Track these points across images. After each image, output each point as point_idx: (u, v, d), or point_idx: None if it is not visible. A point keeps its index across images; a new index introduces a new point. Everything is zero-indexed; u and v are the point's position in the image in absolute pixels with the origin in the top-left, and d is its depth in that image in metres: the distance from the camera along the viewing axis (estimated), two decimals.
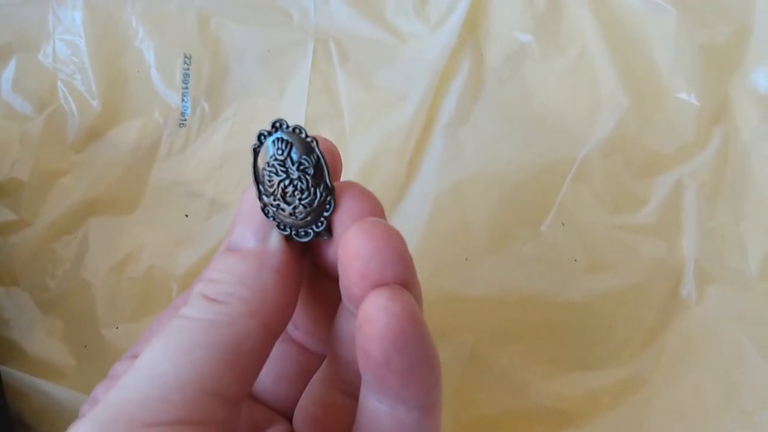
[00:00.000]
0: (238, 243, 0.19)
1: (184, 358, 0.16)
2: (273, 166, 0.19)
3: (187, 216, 0.34)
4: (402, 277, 0.17)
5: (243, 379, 0.17)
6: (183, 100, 0.35)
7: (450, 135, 0.33)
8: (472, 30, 0.36)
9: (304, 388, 0.21)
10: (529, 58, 0.35)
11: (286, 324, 0.19)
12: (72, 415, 0.25)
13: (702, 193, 0.32)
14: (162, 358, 0.16)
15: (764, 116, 0.33)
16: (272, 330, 0.18)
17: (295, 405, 0.21)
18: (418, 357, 0.16)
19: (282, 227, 0.19)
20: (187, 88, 0.35)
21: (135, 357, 0.21)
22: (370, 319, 0.16)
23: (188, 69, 0.35)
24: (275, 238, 0.19)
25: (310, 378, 0.21)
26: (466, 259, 0.31)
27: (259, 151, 0.19)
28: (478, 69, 0.35)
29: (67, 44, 0.36)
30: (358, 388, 0.19)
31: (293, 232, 0.19)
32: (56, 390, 0.30)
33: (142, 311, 0.32)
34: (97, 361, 0.31)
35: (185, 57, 0.35)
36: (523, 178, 0.32)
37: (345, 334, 0.19)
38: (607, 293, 0.31)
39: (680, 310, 0.31)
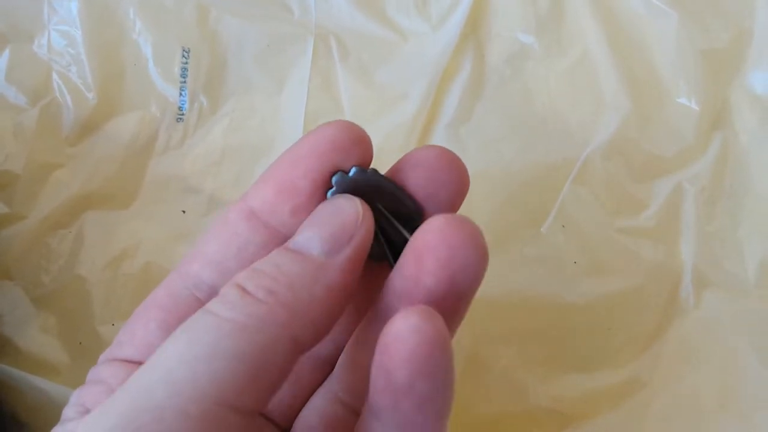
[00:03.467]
0: (303, 246, 0.17)
1: (204, 366, 0.15)
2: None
3: (184, 212, 0.33)
4: (479, 275, 0.17)
5: (264, 392, 0.16)
6: (181, 94, 0.35)
7: (451, 134, 0.33)
8: (474, 29, 0.36)
9: (303, 400, 0.20)
10: (531, 59, 0.35)
11: (315, 344, 0.17)
12: None
13: (701, 198, 0.32)
14: (180, 363, 0.15)
15: (763, 121, 0.33)
16: (301, 346, 0.16)
17: (291, 415, 0.20)
18: (440, 384, 0.15)
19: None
20: (185, 82, 0.35)
21: (120, 361, 0.20)
22: (400, 338, 0.15)
23: (187, 63, 0.35)
24: (343, 258, 0.17)
25: (311, 390, 0.21)
26: None
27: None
28: (480, 68, 0.35)
29: (62, 35, 0.35)
30: (361, 404, 0.18)
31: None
32: (50, 386, 0.29)
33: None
34: (91, 357, 0.30)
35: (184, 50, 0.35)
36: (524, 179, 0.32)
37: (361, 350, 0.19)
38: (607, 296, 0.31)
39: (679, 314, 0.31)
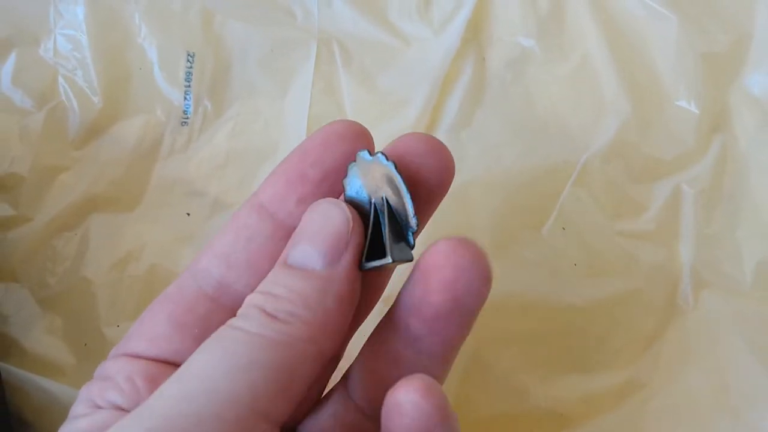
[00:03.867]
0: (302, 262, 0.18)
1: (241, 376, 0.16)
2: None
3: (188, 215, 0.34)
4: (482, 298, 0.18)
5: (291, 401, 0.17)
6: (185, 98, 0.35)
7: (452, 139, 0.34)
8: (475, 34, 0.36)
9: (307, 404, 0.21)
10: (532, 63, 0.35)
11: (336, 351, 0.18)
12: None
13: (700, 200, 0.32)
14: (218, 373, 0.16)
15: (762, 124, 0.34)
16: (325, 356, 0.18)
17: (290, 419, 0.21)
18: None
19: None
20: (189, 86, 0.35)
21: (126, 356, 0.20)
22: (403, 410, 0.16)
23: (191, 67, 0.35)
24: (344, 265, 0.18)
25: (313, 394, 0.21)
26: None
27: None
28: (481, 73, 0.35)
29: (68, 39, 0.35)
30: (379, 413, 0.19)
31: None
32: (56, 387, 0.29)
33: (143, 309, 0.31)
34: (97, 359, 0.30)
35: (188, 55, 0.35)
36: (524, 182, 0.33)
37: (376, 361, 0.20)
38: (607, 297, 0.31)
39: (677, 315, 0.31)
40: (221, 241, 0.20)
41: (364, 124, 0.35)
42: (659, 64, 0.35)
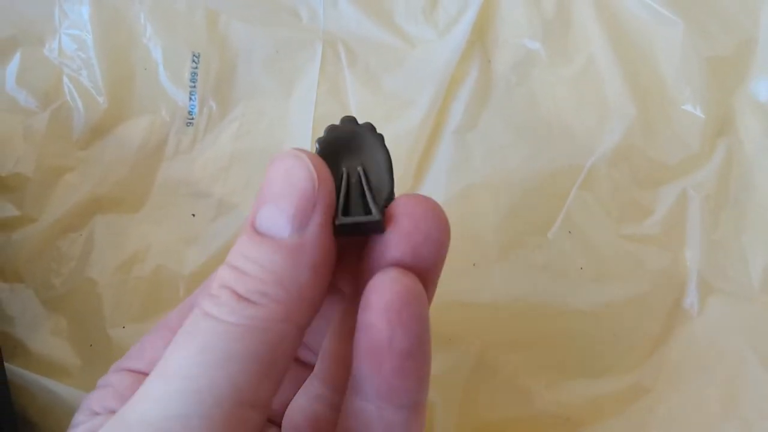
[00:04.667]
0: (268, 226, 0.17)
1: (220, 372, 0.15)
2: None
3: (194, 215, 0.33)
4: (441, 247, 0.17)
5: (276, 382, 0.16)
6: (191, 98, 0.35)
7: (458, 141, 0.34)
8: (481, 36, 0.36)
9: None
10: (537, 66, 0.35)
11: (313, 318, 0.17)
12: None
13: (706, 205, 0.32)
14: (197, 372, 0.15)
15: (767, 129, 0.34)
16: (303, 329, 0.17)
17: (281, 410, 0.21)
18: (417, 340, 0.16)
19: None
20: (194, 86, 0.35)
21: (128, 371, 0.21)
22: (379, 289, 0.16)
23: (196, 67, 0.35)
24: (314, 229, 0.17)
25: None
26: (474, 265, 0.31)
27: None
28: (486, 75, 0.35)
29: (73, 39, 0.35)
30: (338, 399, 0.19)
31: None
32: (61, 388, 0.29)
33: (148, 311, 0.32)
34: (102, 360, 0.31)
35: (194, 55, 0.35)
36: (530, 186, 0.33)
37: (340, 339, 0.19)
38: (612, 302, 0.31)
39: (683, 320, 0.31)
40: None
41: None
42: (664, 68, 0.35)
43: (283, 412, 0.21)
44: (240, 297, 0.16)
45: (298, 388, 0.21)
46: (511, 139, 0.34)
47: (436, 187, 0.33)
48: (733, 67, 0.35)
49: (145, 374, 0.19)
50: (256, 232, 0.17)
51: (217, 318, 0.16)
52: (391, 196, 0.19)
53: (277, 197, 0.17)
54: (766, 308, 0.31)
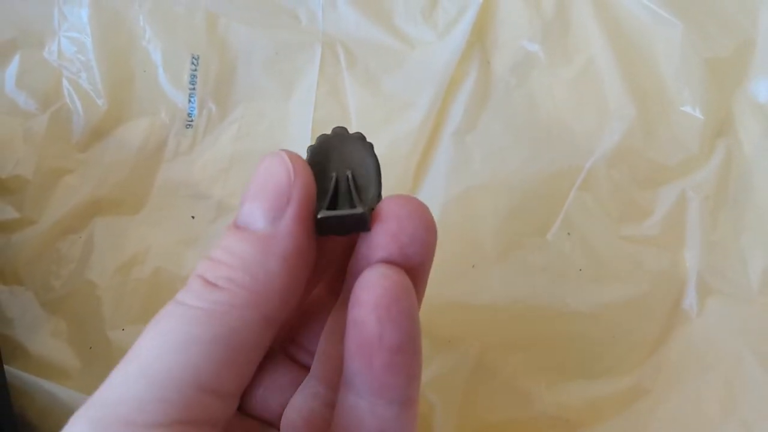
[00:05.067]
0: (246, 221, 0.17)
1: (179, 355, 0.15)
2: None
3: (193, 217, 0.33)
4: (428, 247, 0.17)
5: (241, 372, 0.16)
6: (190, 100, 0.35)
7: (457, 143, 0.34)
8: (480, 37, 0.36)
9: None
10: (536, 67, 0.35)
11: (286, 315, 0.17)
12: None
13: (705, 206, 0.32)
14: (155, 354, 0.15)
15: (767, 130, 0.34)
16: (273, 321, 0.17)
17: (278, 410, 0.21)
18: (407, 335, 0.16)
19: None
20: (194, 88, 0.35)
21: None
22: (368, 285, 0.16)
23: (196, 70, 0.35)
24: (287, 222, 0.17)
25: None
26: (473, 266, 0.31)
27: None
28: (486, 77, 0.35)
29: (72, 42, 0.35)
30: (333, 396, 0.19)
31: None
32: (60, 391, 0.29)
33: (148, 313, 0.32)
34: (102, 362, 0.31)
35: (193, 57, 0.35)
36: (529, 187, 0.33)
37: (333, 338, 0.19)
38: (611, 303, 0.31)
39: (682, 321, 0.31)
40: None
41: (369, 128, 0.35)
42: (664, 69, 0.35)
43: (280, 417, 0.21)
44: (207, 282, 0.16)
45: (292, 390, 0.21)
46: (511, 141, 0.34)
47: (435, 188, 0.33)
48: (732, 68, 0.35)
49: None
50: (236, 226, 0.17)
51: (183, 303, 0.16)
52: (378, 197, 0.19)
53: (255, 193, 0.17)
54: (765, 309, 0.31)
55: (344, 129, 0.19)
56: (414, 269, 0.17)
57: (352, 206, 0.18)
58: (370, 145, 0.19)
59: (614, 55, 0.35)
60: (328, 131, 0.35)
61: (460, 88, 0.35)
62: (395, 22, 0.36)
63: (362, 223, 0.18)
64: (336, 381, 0.19)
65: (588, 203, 0.32)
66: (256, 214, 0.17)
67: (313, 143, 0.19)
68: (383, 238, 0.17)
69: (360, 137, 0.19)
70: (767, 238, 0.32)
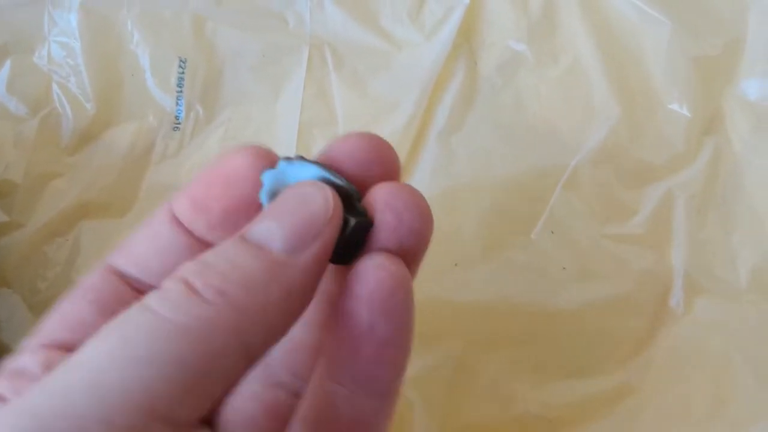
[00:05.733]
0: (261, 237, 0.15)
1: (136, 372, 0.13)
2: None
3: None
4: (424, 236, 0.17)
5: (203, 404, 0.14)
6: (177, 103, 0.35)
7: (443, 143, 0.34)
8: (467, 38, 0.36)
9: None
10: (523, 67, 0.35)
11: (268, 351, 0.15)
12: None
13: (692, 205, 0.32)
14: (108, 366, 0.13)
15: (756, 128, 0.33)
16: (254, 354, 0.14)
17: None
18: (399, 329, 0.16)
19: None
20: (181, 91, 0.35)
21: (46, 346, 0.17)
22: (363, 276, 0.16)
23: (183, 73, 0.35)
24: (307, 257, 0.15)
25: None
26: (456, 265, 0.31)
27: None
28: (472, 77, 0.35)
29: (62, 46, 0.36)
30: (304, 384, 0.18)
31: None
32: None
33: None
34: None
35: (180, 61, 0.35)
36: (514, 186, 0.32)
37: (306, 328, 0.19)
38: (596, 302, 0.31)
39: (669, 320, 0.31)
40: (135, 246, 0.19)
41: (356, 128, 0.35)
42: (651, 68, 0.34)
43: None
44: (192, 290, 0.14)
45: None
46: (496, 141, 0.34)
47: (421, 188, 0.32)
48: (721, 66, 0.34)
49: (71, 348, 0.16)
50: (242, 238, 0.15)
51: (155, 312, 0.14)
52: (355, 191, 0.18)
53: (282, 213, 0.16)
54: (753, 308, 0.30)
55: (283, 159, 0.18)
56: (408, 261, 0.17)
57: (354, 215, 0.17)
58: (319, 164, 0.18)
59: (601, 54, 0.34)
60: (315, 133, 0.35)
61: (447, 88, 0.35)
62: (382, 23, 0.36)
63: (368, 226, 0.17)
64: (304, 370, 0.18)
65: (573, 202, 0.32)
66: (276, 234, 0.15)
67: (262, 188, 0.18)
68: (382, 233, 0.17)
69: (300, 157, 0.18)
70: (757, 236, 0.32)
